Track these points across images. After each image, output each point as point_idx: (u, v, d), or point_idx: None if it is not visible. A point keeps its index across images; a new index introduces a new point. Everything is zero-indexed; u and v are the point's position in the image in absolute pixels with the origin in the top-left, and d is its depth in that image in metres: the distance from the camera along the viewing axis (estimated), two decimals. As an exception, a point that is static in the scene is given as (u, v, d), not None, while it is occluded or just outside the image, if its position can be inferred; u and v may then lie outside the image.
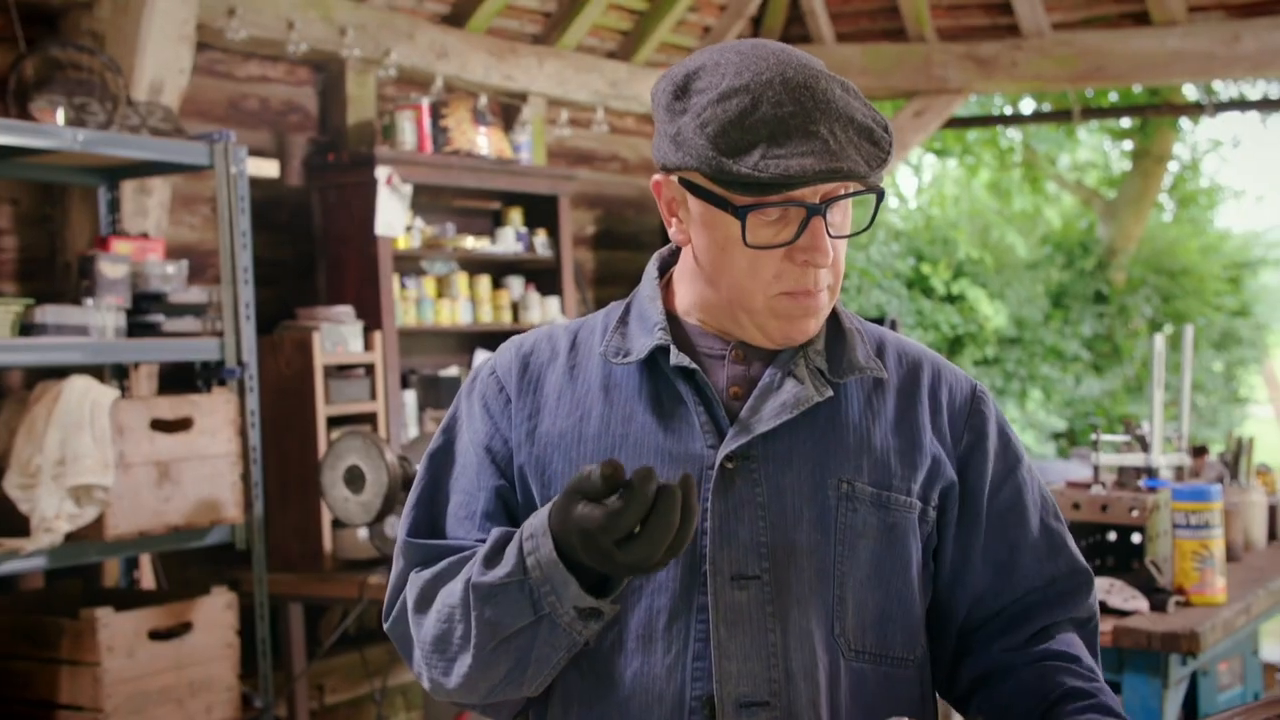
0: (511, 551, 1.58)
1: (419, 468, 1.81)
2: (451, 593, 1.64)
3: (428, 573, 1.69)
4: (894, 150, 1.63)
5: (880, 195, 1.66)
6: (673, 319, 1.76)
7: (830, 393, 1.69)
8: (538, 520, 1.57)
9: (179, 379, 5.14)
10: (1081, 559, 1.82)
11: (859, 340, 1.75)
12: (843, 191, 1.63)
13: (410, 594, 1.70)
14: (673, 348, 1.70)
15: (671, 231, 1.73)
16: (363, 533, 5.19)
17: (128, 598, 4.64)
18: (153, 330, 4.57)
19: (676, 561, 1.63)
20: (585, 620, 1.56)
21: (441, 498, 1.77)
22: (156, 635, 4.26)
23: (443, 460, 1.80)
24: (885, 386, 1.74)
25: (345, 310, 5.68)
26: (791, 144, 1.58)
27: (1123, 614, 3.45)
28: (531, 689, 1.66)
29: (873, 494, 1.68)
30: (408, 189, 5.90)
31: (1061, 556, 1.80)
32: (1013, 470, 1.78)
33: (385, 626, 1.77)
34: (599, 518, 1.46)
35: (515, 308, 6.67)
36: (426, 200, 6.42)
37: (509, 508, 1.74)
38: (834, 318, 1.77)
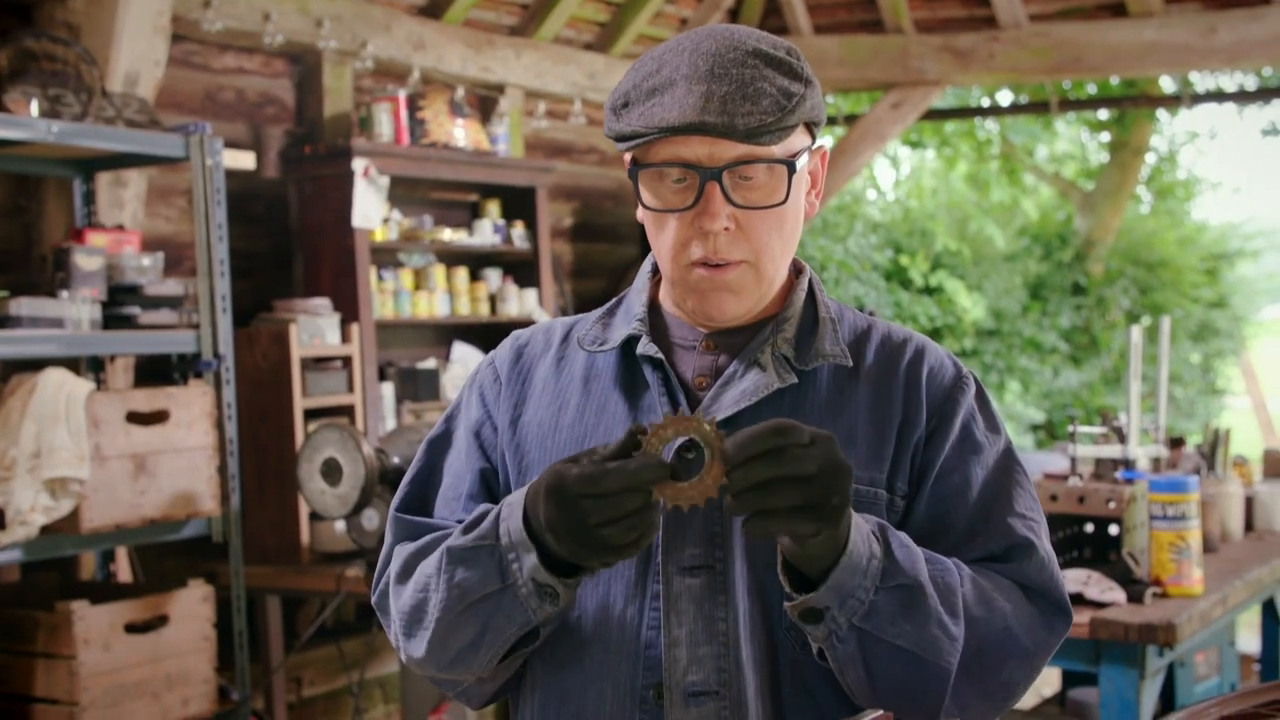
0: (490, 519, 1.60)
1: (419, 451, 1.85)
2: (429, 563, 1.66)
3: (412, 546, 1.72)
4: (784, 119, 1.59)
5: (791, 169, 1.64)
6: (657, 311, 1.78)
7: (794, 380, 1.68)
8: (517, 493, 1.59)
9: (155, 371, 5.12)
10: (1023, 533, 1.68)
11: (830, 329, 1.73)
12: (750, 160, 1.61)
13: (394, 567, 1.73)
14: (644, 337, 1.72)
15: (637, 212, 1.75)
16: (340, 525, 5.18)
17: (104, 591, 4.62)
18: (128, 323, 4.55)
19: None
20: (541, 599, 1.56)
21: (435, 479, 1.81)
22: (133, 628, 4.25)
23: (441, 446, 1.84)
24: (860, 375, 1.72)
25: (322, 302, 5.67)
26: (669, 100, 1.59)
27: (1100, 606, 3.46)
28: (481, 666, 1.65)
29: None
30: (384, 181, 5.88)
31: (995, 529, 1.67)
32: (965, 460, 1.70)
33: (373, 600, 1.80)
34: (578, 465, 1.46)
35: (493, 300, 6.66)
36: (403, 192, 6.41)
37: (492, 491, 1.78)
38: (813, 308, 1.76)
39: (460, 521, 1.74)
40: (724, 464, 1.42)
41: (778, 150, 1.62)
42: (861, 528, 1.51)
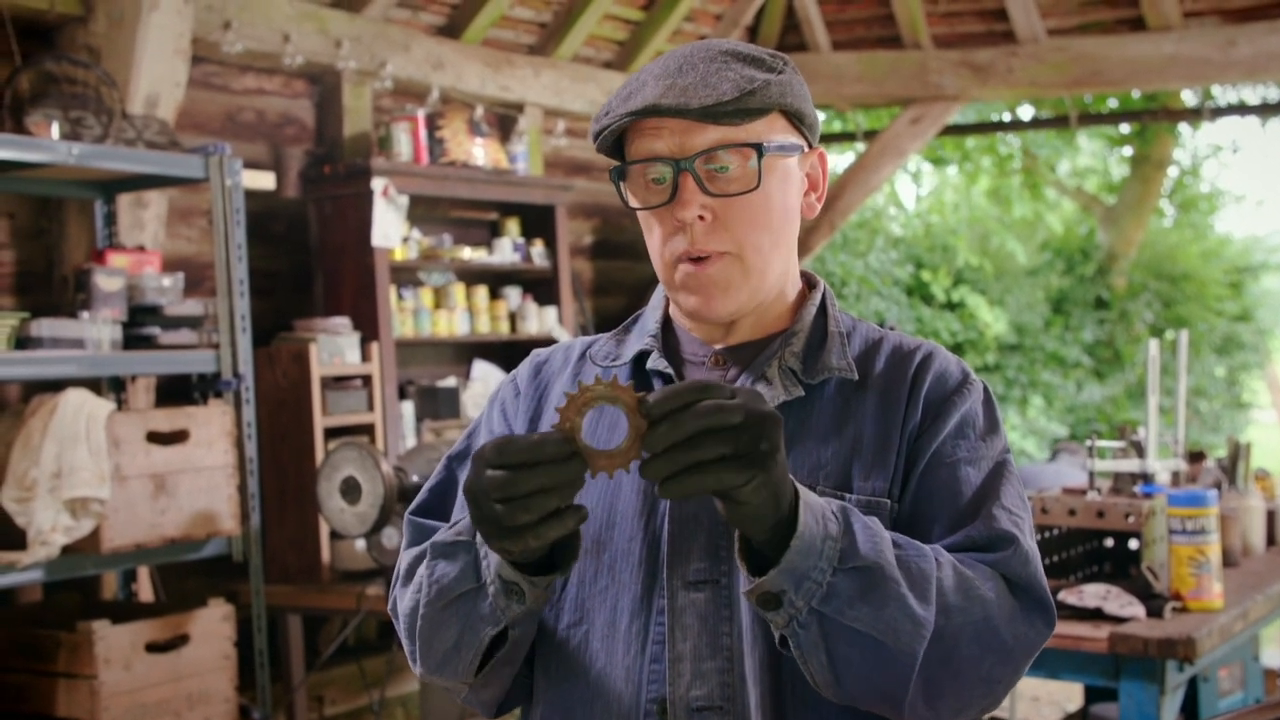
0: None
1: (439, 465, 1.86)
2: (425, 564, 1.66)
3: (418, 549, 1.72)
4: (743, 100, 1.61)
5: (760, 151, 1.64)
6: (670, 328, 1.79)
7: (800, 393, 1.68)
8: None
9: (176, 391, 5.14)
10: (1007, 526, 1.63)
11: (838, 343, 1.73)
12: (721, 146, 1.63)
13: (400, 570, 1.74)
14: (655, 352, 1.73)
15: None
16: (360, 544, 5.19)
17: (125, 610, 4.64)
18: (149, 343, 4.58)
19: (639, 564, 1.65)
20: (508, 597, 1.55)
21: (453, 490, 1.82)
22: (154, 648, 4.26)
23: (461, 460, 1.84)
24: (867, 386, 1.71)
25: (342, 321, 5.69)
26: (637, 97, 1.63)
27: (1119, 620, 3.44)
28: (465, 670, 1.65)
29: (834, 495, 1.64)
30: (404, 200, 5.91)
31: (979, 520, 1.63)
32: (956, 458, 1.67)
33: (388, 606, 1.80)
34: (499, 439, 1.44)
35: (513, 318, 6.68)
36: (423, 211, 6.43)
37: None
38: (823, 322, 1.76)
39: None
40: (646, 422, 1.37)
41: (747, 135, 1.64)
42: (815, 508, 1.47)
